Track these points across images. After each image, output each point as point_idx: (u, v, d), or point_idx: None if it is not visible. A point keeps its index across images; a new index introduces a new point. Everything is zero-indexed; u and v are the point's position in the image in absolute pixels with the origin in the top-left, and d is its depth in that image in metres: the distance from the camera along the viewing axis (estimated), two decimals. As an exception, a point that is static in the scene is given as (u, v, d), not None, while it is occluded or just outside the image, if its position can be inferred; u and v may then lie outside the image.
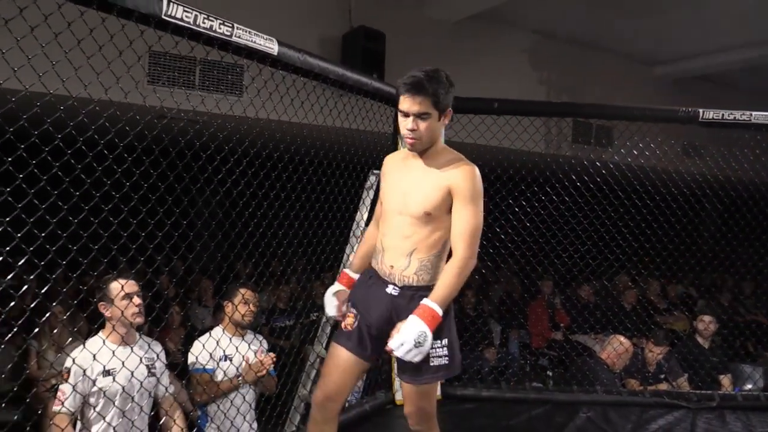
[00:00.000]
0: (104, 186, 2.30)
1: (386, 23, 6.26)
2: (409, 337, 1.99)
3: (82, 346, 2.73)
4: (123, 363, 2.62)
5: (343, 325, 2.33)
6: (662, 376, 4.56)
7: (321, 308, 4.25)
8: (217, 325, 3.47)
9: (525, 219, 4.10)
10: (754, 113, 3.83)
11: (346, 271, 2.52)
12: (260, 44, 2.57)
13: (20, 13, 1.78)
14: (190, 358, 3.23)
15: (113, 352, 2.64)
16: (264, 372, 3.24)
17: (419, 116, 2.09)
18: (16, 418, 2.63)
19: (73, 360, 2.61)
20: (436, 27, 6.95)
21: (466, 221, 2.13)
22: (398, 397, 3.55)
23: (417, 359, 2.01)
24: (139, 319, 2.79)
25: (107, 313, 2.78)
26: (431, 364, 2.17)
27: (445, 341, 2.17)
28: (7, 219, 1.89)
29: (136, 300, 2.79)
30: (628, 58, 8.63)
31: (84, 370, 2.63)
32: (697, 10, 6.66)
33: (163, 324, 3.85)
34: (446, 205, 2.16)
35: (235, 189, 2.78)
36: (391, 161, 2.41)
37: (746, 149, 4.52)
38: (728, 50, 7.81)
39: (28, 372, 3.96)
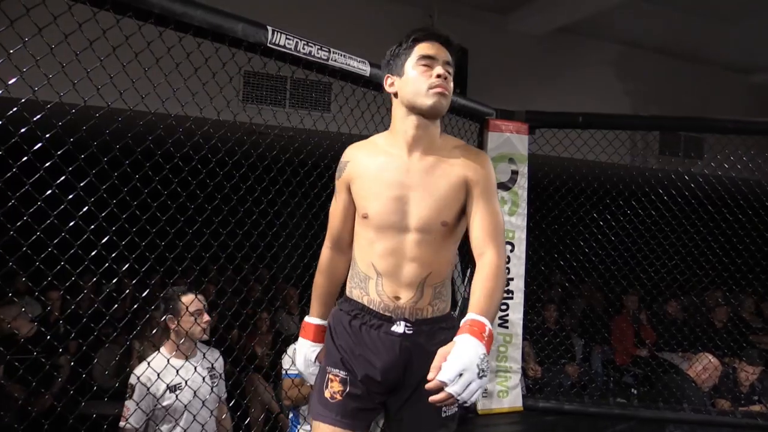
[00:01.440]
0: (198, 198, 2.51)
1: (469, 39, 6.35)
2: (470, 363, 1.36)
3: (146, 363, 2.75)
4: (186, 381, 2.69)
5: (327, 394, 1.74)
6: (756, 398, 4.39)
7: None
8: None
9: (610, 233, 4.08)
10: None
11: (309, 320, 1.96)
12: (354, 66, 2.75)
13: (126, 41, 2.00)
14: (285, 363, 3.38)
15: (177, 370, 2.64)
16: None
17: (447, 65, 1.73)
18: (117, 411, 2.77)
19: (138, 377, 2.71)
20: (519, 42, 6.98)
21: (493, 218, 1.69)
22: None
23: (478, 395, 1.38)
24: (205, 336, 2.86)
25: (173, 327, 2.83)
26: (443, 416, 1.71)
27: None
28: (113, 228, 2.13)
29: (205, 317, 2.86)
30: (721, 66, 8.32)
31: (148, 388, 2.70)
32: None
33: (249, 329, 4.05)
34: (462, 204, 1.72)
35: (318, 201, 2.94)
36: (364, 154, 1.80)
37: None
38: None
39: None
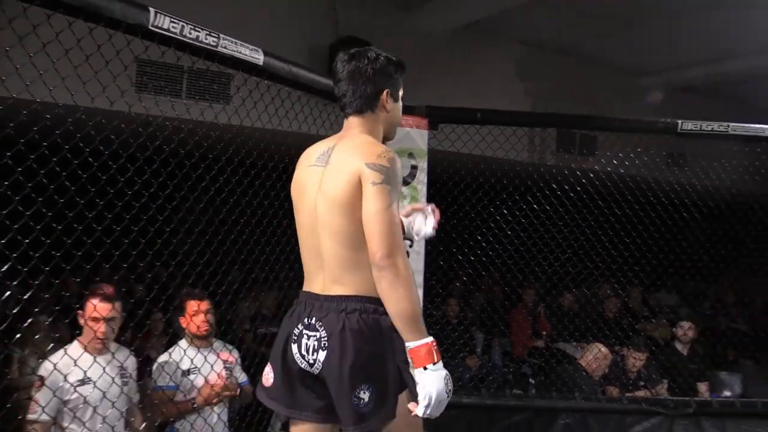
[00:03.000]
0: (89, 193, 2.32)
1: (372, 32, 6.32)
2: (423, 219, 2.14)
3: (60, 353, 2.71)
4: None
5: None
6: (642, 384, 4.63)
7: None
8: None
9: (507, 227, 4.17)
10: (731, 124, 3.92)
11: (430, 340, 1.79)
12: (246, 54, 2.62)
13: (9, 25, 1.81)
14: (154, 374, 3.17)
15: (93, 360, 2.65)
16: (227, 394, 3.18)
17: None
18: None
19: (54, 365, 2.60)
20: (423, 37, 7.01)
21: None
22: None
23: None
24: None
25: (81, 322, 2.82)
26: None
27: None
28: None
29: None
30: (613, 68, 8.74)
31: (64, 377, 2.63)
32: (680, 21, 6.77)
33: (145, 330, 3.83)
34: None
35: (219, 196, 2.81)
36: None
37: (724, 160, 4.62)
38: (714, 61, 7.94)
39: (9, 378, 3.96)
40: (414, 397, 1.69)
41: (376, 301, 1.74)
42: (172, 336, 4.90)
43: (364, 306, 1.75)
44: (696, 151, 5.98)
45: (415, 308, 1.68)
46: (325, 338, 1.75)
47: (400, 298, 1.66)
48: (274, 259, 3.23)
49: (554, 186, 4.26)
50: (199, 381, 3.16)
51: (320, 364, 1.76)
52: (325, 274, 1.81)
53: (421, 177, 3.66)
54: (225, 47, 2.52)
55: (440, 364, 1.67)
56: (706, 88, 9.06)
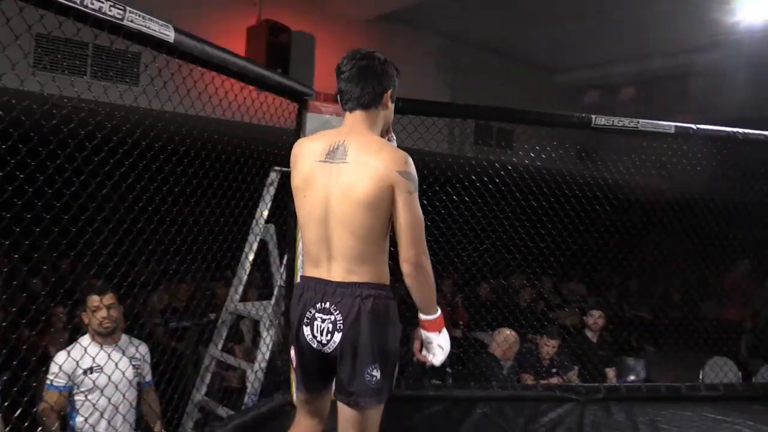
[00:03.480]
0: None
1: (293, 18, 6.16)
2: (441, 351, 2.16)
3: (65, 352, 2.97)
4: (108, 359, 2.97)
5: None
6: (554, 370, 4.76)
7: (218, 309, 4.12)
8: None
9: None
10: (641, 121, 4.06)
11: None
12: (155, 30, 2.44)
13: None
14: (50, 373, 2.94)
15: (100, 350, 2.97)
16: None
17: None
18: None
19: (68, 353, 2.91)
20: (344, 25, 6.92)
21: None
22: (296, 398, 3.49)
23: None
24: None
25: (86, 321, 3.11)
26: None
27: None
28: None
29: (102, 312, 3.04)
30: (529, 64, 8.97)
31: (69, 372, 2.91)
32: (594, 21, 7.00)
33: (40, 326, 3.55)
34: None
35: (124, 182, 2.62)
36: None
37: (634, 155, 4.80)
38: (624, 61, 8.29)
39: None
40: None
41: (386, 288, 2.01)
42: (72, 332, 4.62)
43: (377, 292, 1.97)
44: (606, 146, 6.20)
45: (434, 293, 2.05)
46: (341, 321, 1.94)
47: (428, 287, 2.00)
48: (185, 249, 3.06)
49: (473, 178, 4.28)
50: (102, 380, 2.96)
51: (334, 344, 1.96)
52: (336, 263, 1.97)
53: (341, 166, 3.57)
54: (132, 21, 2.34)
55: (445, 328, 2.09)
56: (619, 86, 9.46)
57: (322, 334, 1.97)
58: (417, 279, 1.96)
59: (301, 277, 2.11)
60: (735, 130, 4.28)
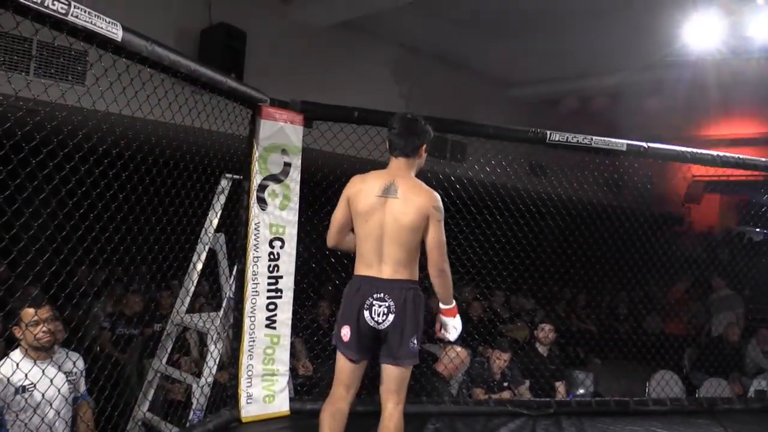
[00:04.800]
0: None
1: (248, 22, 6.05)
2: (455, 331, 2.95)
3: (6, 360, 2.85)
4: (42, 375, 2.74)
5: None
6: (506, 384, 4.75)
7: (165, 319, 3.96)
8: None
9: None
10: (594, 138, 4.12)
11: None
12: (102, 27, 2.32)
13: None
14: None
15: (33, 365, 2.73)
16: None
17: None
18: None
19: None
20: (301, 31, 6.83)
21: None
22: (244, 413, 3.37)
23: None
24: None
25: (18, 335, 2.89)
26: None
27: None
28: None
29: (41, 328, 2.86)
30: (484, 78, 9.04)
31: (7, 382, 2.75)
32: (548, 37, 7.11)
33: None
34: None
35: (65, 186, 2.47)
36: None
37: (587, 171, 4.86)
38: (579, 78, 8.44)
39: None
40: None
41: (419, 284, 2.76)
42: (7, 345, 4.37)
43: (415, 286, 2.74)
44: (557, 162, 6.28)
45: (452, 289, 2.80)
46: (393, 306, 2.66)
47: (448, 285, 2.77)
48: (128, 258, 2.91)
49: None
50: (35, 398, 2.78)
51: (388, 322, 2.67)
52: (386, 265, 2.70)
53: (294, 175, 3.49)
54: (77, 17, 2.22)
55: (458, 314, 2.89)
56: (568, 102, 9.64)
57: (379, 316, 2.67)
58: (441, 279, 2.73)
59: (356, 275, 2.78)
60: (684, 149, 4.38)
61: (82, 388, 3.07)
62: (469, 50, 7.90)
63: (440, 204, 2.75)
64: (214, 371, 3.42)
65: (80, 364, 3.09)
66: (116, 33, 2.37)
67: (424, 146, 2.86)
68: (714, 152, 4.50)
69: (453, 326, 2.86)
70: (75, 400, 3.03)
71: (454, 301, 2.84)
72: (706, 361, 6.10)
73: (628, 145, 4.18)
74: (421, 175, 2.92)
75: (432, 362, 4.75)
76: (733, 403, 4.55)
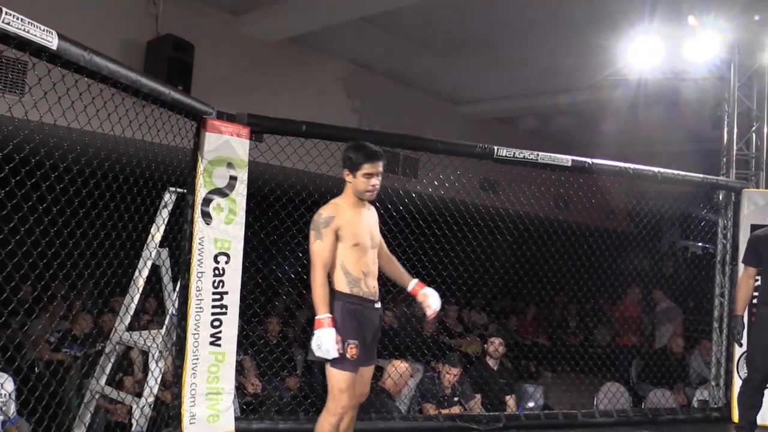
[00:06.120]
0: None
1: (196, 34, 5.96)
2: (438, 297, 3.13)
3: None
4: None
5: (350, 356, 2.80)
6: (456, 399, 4.75)
7: (106, 338, 3.82)
8: None
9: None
10: (540, 153, 4.20)
11: (329, 315, 2.81)
12: (35, 35, 2.24)
13: None
14: None
15: None
16: None
17: (379, 175, 2.92)
18: None
19: None
20: (250, 45, 6.77)
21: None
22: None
23: (321, 355, 2.75)
24: None
25: None
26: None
27: None
28: None
29: None
30: (435, 95, 9.13)
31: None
32: (493, 56, 7.22)
33: None
34: None
35: (9, 201, 2.36)
36: (345, 209, 2.93)
37: (533, 186, 4.93)
38: (526, 96, 8.60)
39: None
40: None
41: (340, 293, 2.90)
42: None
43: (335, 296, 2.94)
44: (507, 178, 6.37)
45: (318, 299, 2.82)
46: None
47: (315, 295, 2.83)
48: (63, 274, 2.79)
49: (377, 205, 4.23)
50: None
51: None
52: None
53: (241, 189, 3.43)
54: (9, 24, 2.13)
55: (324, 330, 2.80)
56: (518, 120, 9.83)
57: None
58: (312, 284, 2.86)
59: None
60: (627, 165, 4.50)
61: (12, 410, 2.92)
62: (420, 67, 7.97)
63: (315, 218, 2.89)
64: (155, 390, 3.31)
65: (9, 385, 2.94)
66: (51, 41, 2.30)
67: (345, 172, 2.96)
68: (655, 168, 4.63)
69: (315, 339, 2.75)
70: (3, 424, 2.88)
71: (321, 312, 2.77)
72: (650, 372, 6.24)
73: (572, 160, 4.27)
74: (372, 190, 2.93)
75: (379, 375, 4.71)
76: (677, 413, 4.66)
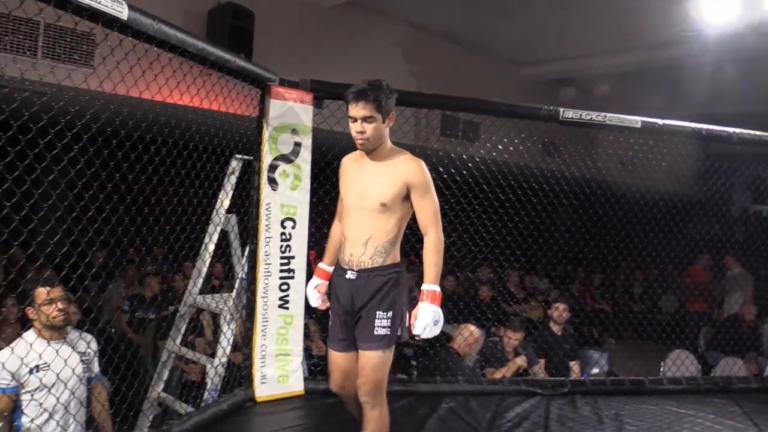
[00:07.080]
0: None
1: (256, 1, 5.99)
2: (428, 320, 2.39)
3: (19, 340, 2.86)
4: (57, 355, 2.77)
5: (330, 323, 2.63)
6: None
7: (179, 301, 3.97)
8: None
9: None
10: (608, 115, 4.04)
11: (321, 265, 2.76)
12: (107, 6, 2.29)
13: None
14: None
15: (47, 346, 2.81)
16: None
17: (365, 120, 2.41)
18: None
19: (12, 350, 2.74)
20: (309, 10, 6.76)
21: (430, 208, 2.46)
22: (258, 393, 3.38)
23: (436, 332, 2.42)
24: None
25: (32, 315, 2.88)
26: (375, 333, 2.47)
27: (389, 313, 2.47)
28: None
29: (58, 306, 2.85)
30: (498, 57, 8.92)
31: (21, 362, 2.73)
32: (562, 14, 6.97)
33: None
34: (401, 196, 2.45)
35: (73, 167, 2.45)
36: (347, 161, 2.64)
37: (600, 149, 4.79)
38: (592, 56, 8.29)
39: None
40: None
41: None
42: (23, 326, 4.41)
43: None
44: (573, 140, 6.20)
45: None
46: None
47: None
48: (139, 240, 2.90)
49: (440, 170, 4.20)
50: (49, 378, 2.79)
51: None
52: None
53: (305, 155, 3.46)
54: (81, -5, 2.18)
55: None
56: (584, 81, 9.49)
57: None
58: None
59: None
60: (699, 126, 4.29)
61: (96, 368, 3.08)
62: (480, 29, 7.78)
63: None
64: (228, 351, 3.43)
65: (93, 345, 3.10)
66: (121, 11, 2.34)
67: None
68: (730, 129, 4.40)
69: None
70: (89, 381, 3.05)
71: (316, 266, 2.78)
72: (721, 340, 6.05)
73: (642, 122, 4.11)
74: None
75: (445, 341, 4.75)
76: (749, 382, 4.50)
